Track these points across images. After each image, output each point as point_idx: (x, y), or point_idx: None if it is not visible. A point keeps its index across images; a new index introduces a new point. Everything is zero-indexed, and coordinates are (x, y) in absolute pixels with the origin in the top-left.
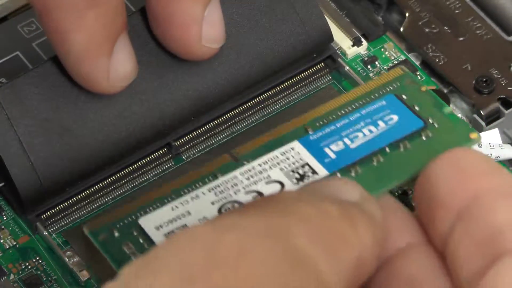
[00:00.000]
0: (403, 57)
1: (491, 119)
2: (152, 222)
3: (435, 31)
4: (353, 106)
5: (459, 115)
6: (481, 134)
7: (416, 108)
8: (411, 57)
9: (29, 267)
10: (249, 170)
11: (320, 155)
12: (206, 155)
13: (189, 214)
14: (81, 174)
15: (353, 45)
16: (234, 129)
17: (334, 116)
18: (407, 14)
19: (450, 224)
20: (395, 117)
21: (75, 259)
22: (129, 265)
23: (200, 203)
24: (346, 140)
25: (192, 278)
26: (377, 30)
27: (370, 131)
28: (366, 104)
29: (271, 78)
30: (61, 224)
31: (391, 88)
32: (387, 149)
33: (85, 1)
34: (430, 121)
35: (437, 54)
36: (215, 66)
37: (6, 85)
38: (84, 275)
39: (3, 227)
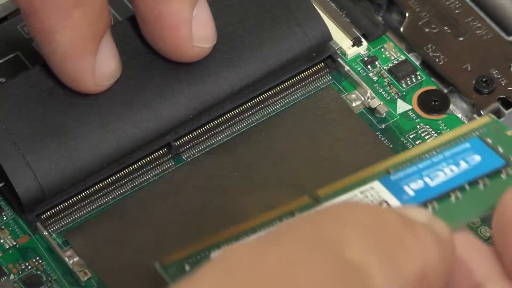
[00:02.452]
0: (403, 57)
1: None
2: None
3: (435, 31)
4: (437, 150)
5: (459, 115)
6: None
7: (500, 149)
8: (411, 57)
9: (29, 267)
10: None
11: (399, 193)
12: (206, 155)
13: None
14: (80, 174)
15: (353, 45)
16: (234, 129)
17: (417, 160)
18: (407, 14)
19: None
20: (477, 157)
21: (75, 259)
22: (174, 285)
23: None
24: (426, 179)
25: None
26: (377, 30)
27: (451, 170)
28: (450, 147)
29: (271, 78)
30: (61, 224)
31: (477, 133)
32: (466, 187)
33: (71, 1)
34: None
35: (437, 54)
36: (214, 67)
37: None
38: (84, 275)
39: (3, 227)
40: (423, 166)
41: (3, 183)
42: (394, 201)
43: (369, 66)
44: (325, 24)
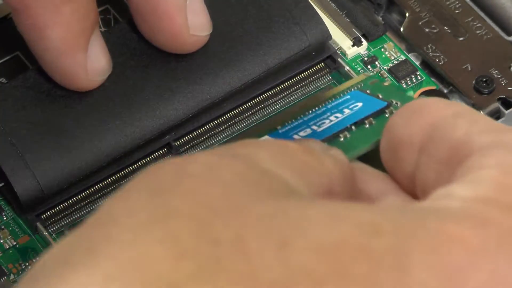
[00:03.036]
0: (403, 57)
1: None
2: None
3: (435, 31)
4: (319, 106)
5: None
6: None
7: (380, 96)
8: (411, 57)
9: (29, 267)
10: None
11: None
12: None
13: None
14: (79, 174)
15: (353, 45)
16: (234, 129)
17: (302, 115)
18: (407, 14)
19: (415, 160)
20: (359, 104)
21: None
22: (107, 202)
23: None
24: (314, 127)
25: (161, 191)
26: (377, 30)
27: (336, 117)
28: (332, 101)
29: (271, 78)
30: (61, 224)
31: (355, 88)
32: (353, 128)
33: None
34: (394, 101)
35: (437, 54)
36: (213, 66)
37: None
38: None
39: (3, 227)
40: (308, 119)
41: (3, 183)
42: None
43: (369, 66)
44: (324, 23)
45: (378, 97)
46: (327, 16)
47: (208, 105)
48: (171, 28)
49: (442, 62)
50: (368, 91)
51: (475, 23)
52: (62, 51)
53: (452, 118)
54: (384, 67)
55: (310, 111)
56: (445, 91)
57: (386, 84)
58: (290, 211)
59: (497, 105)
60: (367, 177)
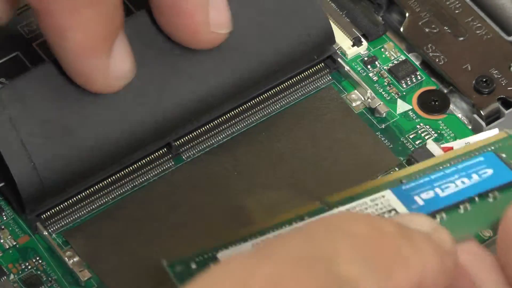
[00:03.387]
0: (403, 57)
1: (491, 119)
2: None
3: (435, 31)
4: (451, 163)
5: (459, 115)
6: (481, 134)
7: None
8: (411, 57)
9: (29, 267)
10: None
11: (408, 202)
12: (206, 155)
13: None
14: (81, 174)
15: (353, 45)
16: (234, 129)
17: (430, 171)
18: (407, 14)
19: None
20: (489, 171)
21: (75, 259)
22: None
23: None
24: (437, 190)
25: None
26: (377, 30)
27: (463, 182)
28: (464, 160)
29: (271, 78)
30: (61, 224)
31: (492, 148)
32: (476, 199)
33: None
34: None
35: (437, 54)
36: (216, 66)
37: (7, 85)
38: (84, 275)
39: (3, 227)
40: (435, 177)
41: (3, 183)
42: (403, 210)
43: (369, 66)
44: (331, 28)
45: (510, 164)
46: (327, 16)
47: (210, 106)
48: (191, 25)
49: (442, 62)
50: (503, 155)
51: (475, 23)
52: (81, 53)
53: None
54: (384, 67)
55: (440, 168)
56: (445, 91)
57: None
58: None
59: (497, 105)
60: (476, 265)
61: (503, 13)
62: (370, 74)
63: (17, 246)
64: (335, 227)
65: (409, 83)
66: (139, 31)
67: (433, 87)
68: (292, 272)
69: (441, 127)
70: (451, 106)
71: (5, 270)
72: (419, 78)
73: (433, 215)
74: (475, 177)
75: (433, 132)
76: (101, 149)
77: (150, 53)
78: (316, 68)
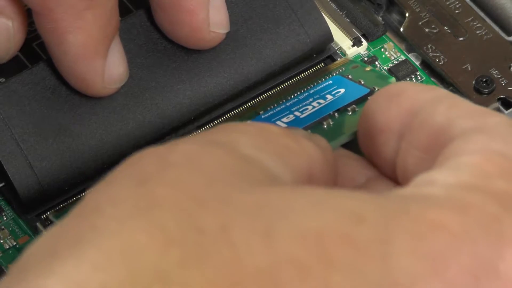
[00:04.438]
0: (403, 57)
1: None
2: None
3: (435, 31)
4: (301, 91)
5: None
6: None
7: (362, 82)
8: (411, 57)
9: None
10: None
11: None
12: None
13: None
14: (80, 174)
15: (353, 45)
16: None
17: (284, 100)
18: (407, 14)
19: (394, 147)
20: (342, 90)
21: None
22: (89, 193)
23: None
24: (296, 113)
25: (144, 181)
26: (377, 30)
27: (319, 103)
28: (313, 86)
29: (271, 78)
30: None
31: (337, 72)
32: (336, 115)
33: (83, 2)
34: (376, 88)
35: (437, 54)
36: (214, 67)
37: (0, 85)
38: None
39: (3, 227)
40: (290, 104)
41: (3, 183)
42: None
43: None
44: (328, 26)
45: (360, 83)
46: (327, 16)
47: (210, 107)
48: (192, 24)
49: (442, 62)
50: (350, 76)
51: (475, 23)
52: (81, 56)
53: (431, 103)
54: (384, 67)
55: (292, 96)
56: None
57: (367, 69)
58: (273, 199)
59: (497, 105)
60: (350, 164)
61: (503, 13)
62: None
63: (17, 246)
64: (229, 127)
65: None
66: (138, 31)
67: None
68: (205, 147)
69: None
70: None
71: (5, 270)
72: (419, 78)
73: None
74: (329, 97)
75: None
76: (98, 148)
77: (148, 53)
78: (316, 68)
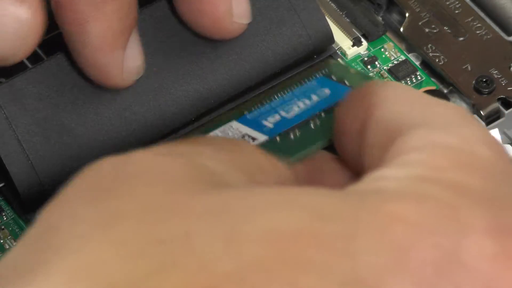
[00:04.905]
0: (403, 57)
1: (491, 119)
2: None
3: (435, 31)
4: (286, 91)
5: None
6: None
7: (346, 83)
8: (411, 57)
9: None
10: None
11: (258, 127)
12: None
13: None
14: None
15: (353, 45)
16: None
17: (268, 100)
18: (407, 14)
19: (356, 147)
20: (327, 91)
21: None
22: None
23: None
24: (282, 113)
25: (101, 195)
26: (377, 30)
27: (305, 103)
28: (298, 87)
29: (271, 78)
30: None
31: (321, 74)
32: (323, 114)
33: None
34: None
35: (437, 54)
36: (216, 67)
37: (4, 84)
38: None
39: (3, 227)
40: (275, 104)
41: (3, 183)
42: (254, 133)
43: (369, 66)
44: (330, 28)
45: (345, 84)
46: (327, 16)
47: (210, 106)
48: (214, 14)
49: (442, 62)
50: (333, 77)
51: (475, 23)
52: (100, 48)
53: (384, 100)
54: (384, 67)
55: (276, 96)
56: (445, 91)
57: (352, 71)
58: (233, 202)
59: (497, 105)
60: (333, 166)
61: (503, 13)
62: (370, 74)
63: None
64: (199, 139)
65: (409, 83)
66: (144, 30)
67: (433, 87)
68: (161, 156)
69: None
70: None
71: None
72: (419, 78)
73: (287, 133)
74: (314, 98)
75: None
76: (99, 148)
77: (151, 54)
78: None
